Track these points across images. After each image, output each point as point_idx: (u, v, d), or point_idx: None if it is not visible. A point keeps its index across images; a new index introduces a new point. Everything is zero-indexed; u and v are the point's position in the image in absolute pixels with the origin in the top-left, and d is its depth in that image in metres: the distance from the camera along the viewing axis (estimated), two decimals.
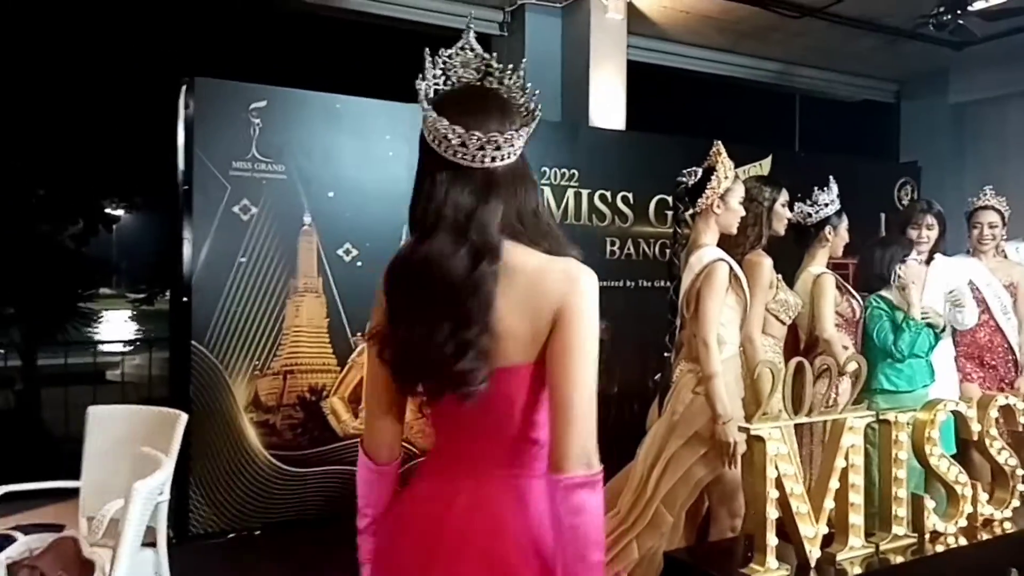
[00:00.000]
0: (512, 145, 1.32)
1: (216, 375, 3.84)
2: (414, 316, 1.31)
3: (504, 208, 1.31)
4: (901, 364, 3.18)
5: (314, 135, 3.96)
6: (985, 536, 2.54)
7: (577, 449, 1.26)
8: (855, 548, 2.31)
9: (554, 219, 1.44)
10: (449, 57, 1.39)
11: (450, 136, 1.27)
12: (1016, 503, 2.67)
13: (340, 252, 4.03)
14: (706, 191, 2.80)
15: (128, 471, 2.39)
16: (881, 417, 2.43)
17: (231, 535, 3.91)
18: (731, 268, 2.78)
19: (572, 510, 1.26)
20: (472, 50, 1.40)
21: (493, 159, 1.30)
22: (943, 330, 3.23)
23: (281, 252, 3.93)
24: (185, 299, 3.79)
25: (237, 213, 3.83)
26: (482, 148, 1.29)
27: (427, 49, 1.38)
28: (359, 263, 4.06)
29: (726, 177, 2.81)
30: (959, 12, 4.87)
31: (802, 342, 3.23)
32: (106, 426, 2.82)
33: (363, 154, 4.07)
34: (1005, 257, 3.74)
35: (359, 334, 4.09)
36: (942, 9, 4.93)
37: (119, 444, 2.73)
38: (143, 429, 2.77)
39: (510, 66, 1.39)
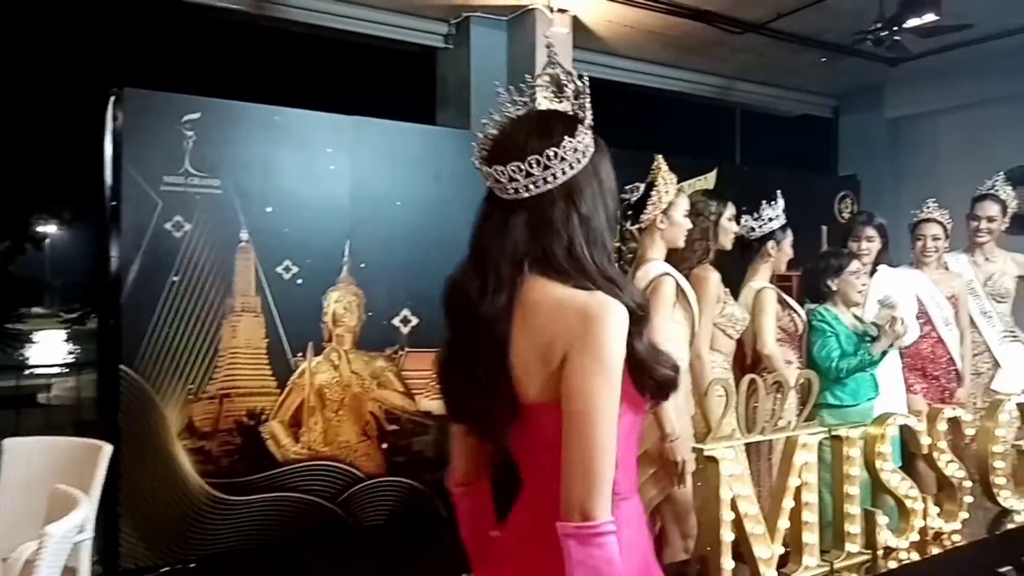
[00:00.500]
0: (545, 168, 1.26)
1: (147, 400, 3.65)
2: (454, 343, 1.30)
3: (532, 240, 1.25)
4: (844, 380, 3.17)
5: (251, 148, 3.81)
6: (936, 550, 2.54)
7: (572, 497, 1.17)
8: (810, 568, 2.27)
9: (602, 252, 1.29)
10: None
11: (483, 170, 1.29)
12: (964, 515, 2.68)
13: (279, 270, 3.88)
14: (648, 206, 2.77)
15: (45, 509, 2.22)
16: (833, 433, 2.41)
17: (164, 569, 3.71)
18: (677, 283, 2.74)
19: (568, 562, 1.15)
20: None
21: (519, 189, 1.26)
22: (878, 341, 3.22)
23: (217, 270, 3.76)
24: (112, 321, 3.60)
25: (169, 230, 3.66)
26: (511, 179, 1.26)
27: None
28: (299, 281, 3.92)
29: (667, 191, 2.78)
30: (895, 28, 4.96)
31: (748, 357, 3.21)
32: (23, 459, 2.63)
33: (303, 168, 3.95)
34: (947, 269, 3.79)
35: (299, 355, 3.95)
36: (879, 25, 5.02)
37: (37, 478, 2.54)
38: (63, 462, 2.59)
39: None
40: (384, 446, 4.29)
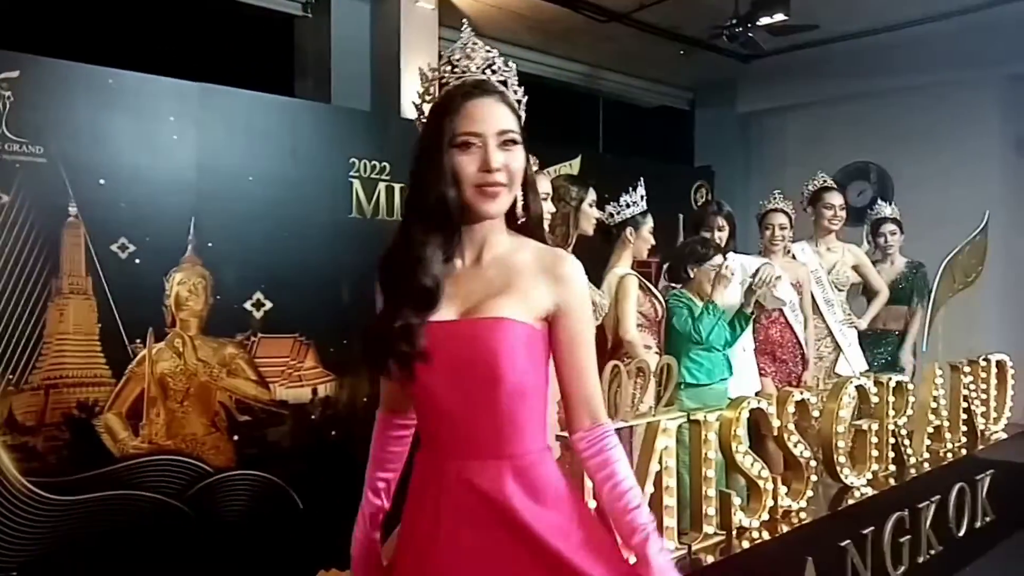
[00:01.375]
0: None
1: None
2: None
3: None
4: (701, 358, 3.25)
5: (80, 113, 3.44)
6: (785, 528, 2.63)
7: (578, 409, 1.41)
8: (669, 551, 2.29)
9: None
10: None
11: None
12: (810, 493, 2.80)
13: (114, 248, 3.54)
14: None
15: None
16: (692, 417, 2.44)
17: None
18: None
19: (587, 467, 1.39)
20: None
21: None
22: (748, 318, 3.33)
23: (41, 247, 3.38)
24: None
25: None
26: None
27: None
28: (137, 260, 3.59)
29: None
30: (749, 25, 5.16)
31: (608, 343, 3.22)
32: None
33: (142, 137, 3.61)
34: (793, 257, 3.97)
35: (138, 341, 3.63)
36: (734, 21, 5.20)
37: None
38: None
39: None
40: (235, 438, 4.03)
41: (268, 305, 4.02)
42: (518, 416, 1.29)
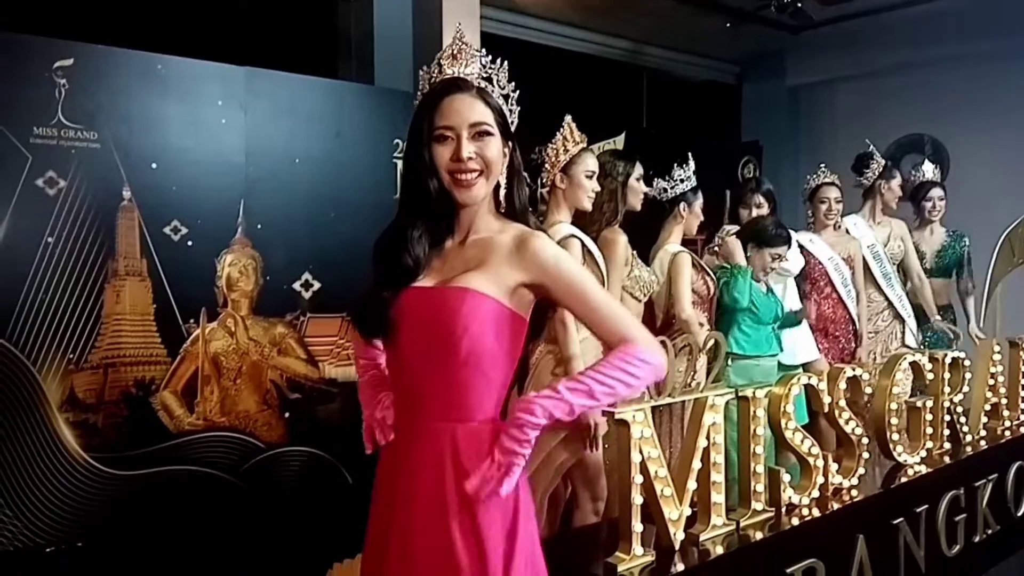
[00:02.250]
0: None
1: (21, 371, 3.36)
2: None
3: None
4: (750, 330, 3.22)
5: (132, 99, 3.51)
6: (835, 505, 2.60)
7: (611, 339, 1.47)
8: (717, 527, 2.29)
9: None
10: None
11: None
12: (862, 471, 2.76)
13: (167, 230, 3.62)
14: (546, 165, 2.70)
15: None
16: (740, 394, 2.42)
17: (50, 549, 3.47)
18: (584, 245, 2.69)
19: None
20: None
21: None
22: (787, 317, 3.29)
23: (97, 231, 3.47)
24: None
25: (41, 187, 3.34)
26: None
27: None
28: (189, 242, 3.66)
29: (565, 149, 2.71)
30: None
31: (658, 320, 3.21)
32: None
33: (190, 121, 3.67)
34: (847, 232, 3.89)
35: (191, 321, 3.72)
36: None
37: None
38: None
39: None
40: (286, 415, 4.12)
41: (316, 285, 4.08)
42: (470, 384, 1.39)
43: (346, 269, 4.24)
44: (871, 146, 4.11)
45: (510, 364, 1.44)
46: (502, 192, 1.48)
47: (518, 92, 1.55)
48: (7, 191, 3.27)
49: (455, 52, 1.55)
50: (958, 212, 4.72)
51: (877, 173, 4.02)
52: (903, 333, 3.89)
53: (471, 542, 1.34)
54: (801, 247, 3.68)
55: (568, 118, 2.77)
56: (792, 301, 3.37)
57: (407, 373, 1.42)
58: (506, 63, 1.56)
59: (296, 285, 4.05)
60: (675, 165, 3.26)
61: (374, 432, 1.51)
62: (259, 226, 3.90)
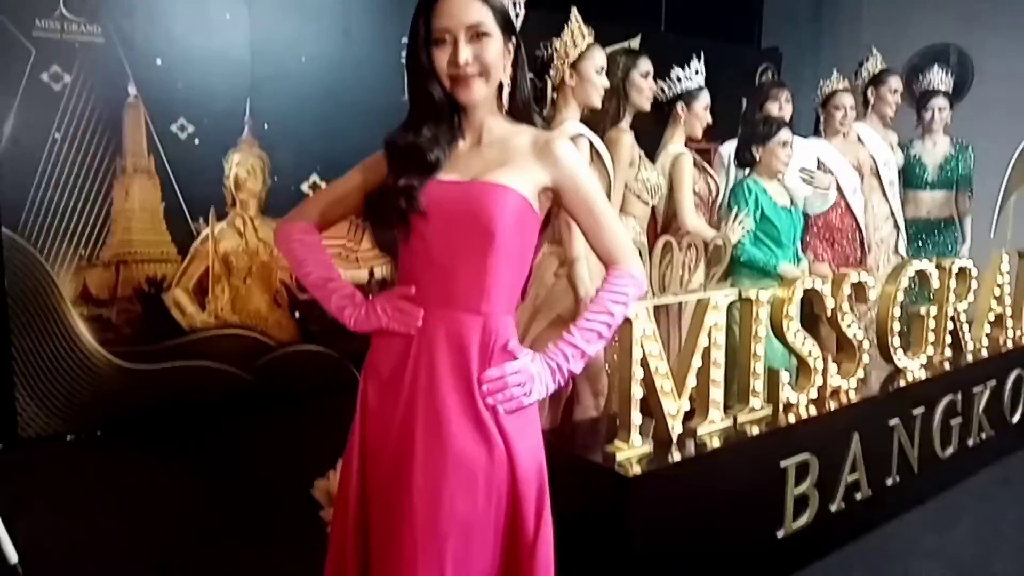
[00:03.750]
0: None
1: (34, 266, 3.43)
2: None
3: None
4: (767, 243, 3.13)
5: None
6: (833, 405, 2.65)
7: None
8: (715, 422, 2.34)
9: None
10: None
11: None
12: (861, 374, 2.80)
13: (174, 128, 3.61)
14: (554, 61, 2.63)
15: None
16: (744, 296, 2.43)
17: (69, 437, 3.60)
18: (592, 144, 2.65)
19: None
20: None
21: None
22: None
23: (104, 127, 3.48)
24: None
25: (47, 82, 3.33)
26: None
27: None
28: (196, 140, 3.66)
29: (574, 44, 2.62)
30: None
31: (658, 225, 3.17)
32: None
33: (195, 16, 3.61)
34: (858, 139, 3.82)
35: (200, 220, 3.75)
36: None
37: None
38: None
39: None
40: (296, 315, 4.19)
41: (324, 187, 4.08)
42: (500, 277, 1.39)
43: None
44: (872, 48, 3.98)
45: (528, 263, 1.46)
46: (506, 91, 1.44)
47: None
48: (12, 86, 3.26)
49: None
50: (978, 123, 4.60)
51: (867, 79, 3.89)
52: (896, 242, 3.85)
53: (486, 432, 1.37)
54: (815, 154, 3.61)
55: (574, 11, 2.67)
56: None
57: (433, 264, 1.40)
58: None
59: (304, 186, 4.06)
60: (674, 65, 3.14)
61: (381, 315, 1.47)
62: (266, 126, 3.88)
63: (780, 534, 2.44)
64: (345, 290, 1.49)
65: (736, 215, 3.02)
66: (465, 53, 1.36)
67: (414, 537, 1.33)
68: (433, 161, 1.39)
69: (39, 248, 3.42)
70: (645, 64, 2.88)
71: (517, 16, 1.46)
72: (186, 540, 2.66)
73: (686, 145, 3.22)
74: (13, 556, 2.40)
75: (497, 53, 1.39)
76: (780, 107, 3.48)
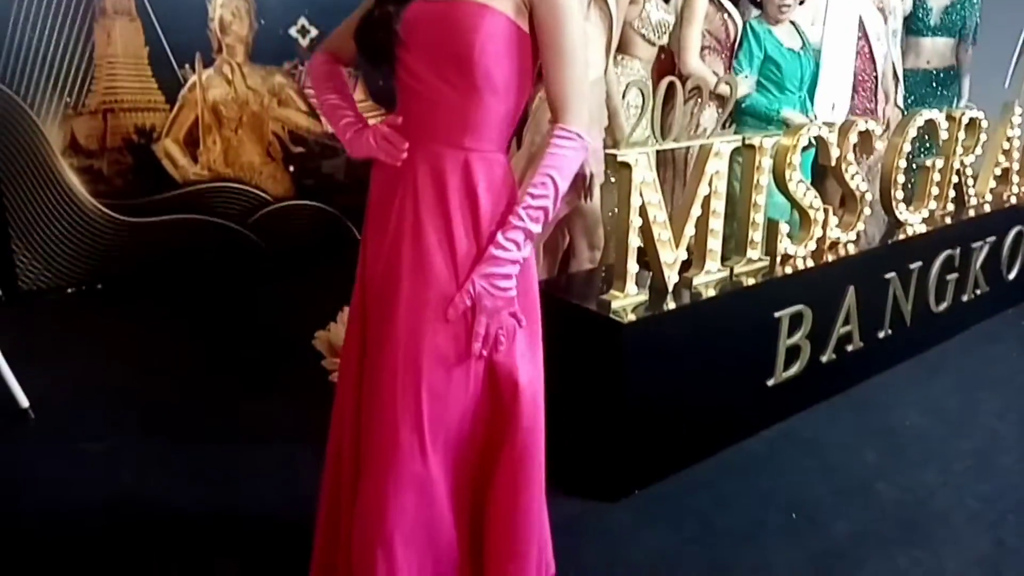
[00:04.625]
0: None
1: (19, 114, 3.33)
2: None
3: None
4: (772, 89, 3.01)
5: None
6: (830, 258, 2.64)
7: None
8: (711, 272, 2.33)
9: None
10: None
11: None
12: (861, 226, 2.78)
13: None
14: None
15: None
16: (747, 142, 2.37)
17: (70, 290, 3.63)
18: None
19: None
20: None
21: None
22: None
23: None
24: None
25: None
26: None
27: None
28: None
29: None
30: None
31: (676, 66, 3.03)
32: None
33: None
34: None
35: (187, 66, 3.60)
36: None
37: None
38: None
39: None
40: (291, 169, 4.12)
41: (313, 32, 3.90)
42: (485, 109, 1.33)
43: (344, 14, 4.01)
44: None
45: (522, 92, 1.37)
46: None
47: None
48: None
49: None
50: None
51: None
52: (896, 94, 3.69)
53: (466, 270, 1.33)
54: None
55: None
56: None
57: (417, 97, 1.35)
58: None
59: (292, 31, 3.87)
60: None
61: (372, 143, 1.43)
62: None
63: (770, 383, 2.50)
64: (350, 116, 1.48)
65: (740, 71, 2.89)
66: None
67: (395, 367, 1.34)
68: None
69: (22, 96, 3.31)
70: None
71: None
72: (189, 390, 2.72)
73: None
74: (24, 400, 2.47)
75: None
76: None
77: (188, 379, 2.79)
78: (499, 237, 1.33)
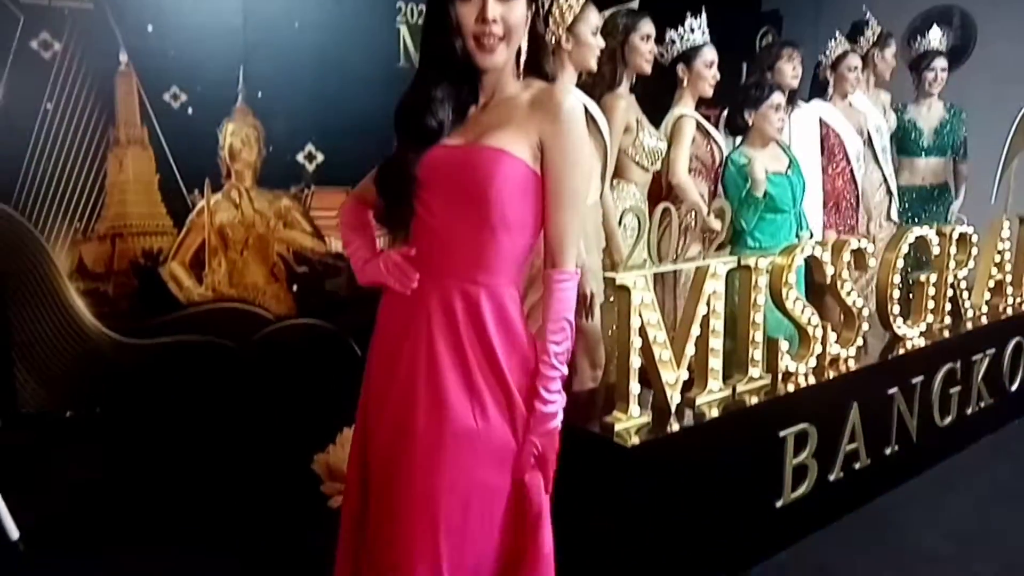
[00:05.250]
0: None
1: (29, 239, 3.38)
2: None
3: None
4: (765, 219, 3.08)
5: None
6: (832, 374, 2.64)
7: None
8: (713, 391, 2.33)
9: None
10: None
11: None
12: (860, 342, 2.79)
13: (167, 97, 3.55)
14: (549, 24, 2.57)
15: None
16: (742, 263, 2.41)
17: (68, 414, 3.60)
18: (588, 111, 2.61)
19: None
20: None
21: None
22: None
23: (96, 97, 3.41)
24: None
25: (36, 50, 3.26)
26: None
27: None
28: (190, 110, 3.60)
29: (569, 6, 2.56)
30: None
31: (663, 189, 3.14)
32: None
33: None
34: (850, 104, 3.77)
35: (196, 192, 3.70)
36: None
37: None
38: None
39: None
40: (294, 288, 4.17)
41: (320, 157, 4.03)
42: (499, 247, 1.36)
43: (350, 140, 4.16)
44: (867, 12, 3.93)
45: (535, 229, 1.41)
46: (523, 58, 1.41)
47: None
48: (1, 53, 3.19)
49: None
50: (979, 87, 4.54)
51: (872, 41, 3.84)
52: (889, 207, 3.83)
53: (484, 406, 1.36)
54: (820, 119, 3.56)
55: None
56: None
57: (433, 233, 1.38)
58: None
59: (299, 156, 4.00)
60: (668, 28, 3.06)
61: (382, 269, 1.45)
62: (259, 94, 3.81)
63: (778, 504, 2.45)
64: (366, 247, 1.54)
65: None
66: (494, 10, 1.31)
67: (411, 504, 1.33)
68: (435, 126, 1.35)
69: (33, 221, 3.38)
70: (646, 26, 2.81)
71: None
72: (186, 514, 2.67)
73: (697, 109, 3.15)
74: (14, 532, 2.40)
75: (522, 16, 1.35)
76: (795, 68, 3.41)
77: (185, 502, 2.74)
78: (541, 392, 1.37)
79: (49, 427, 3.47)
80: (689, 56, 3.08)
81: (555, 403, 1.39)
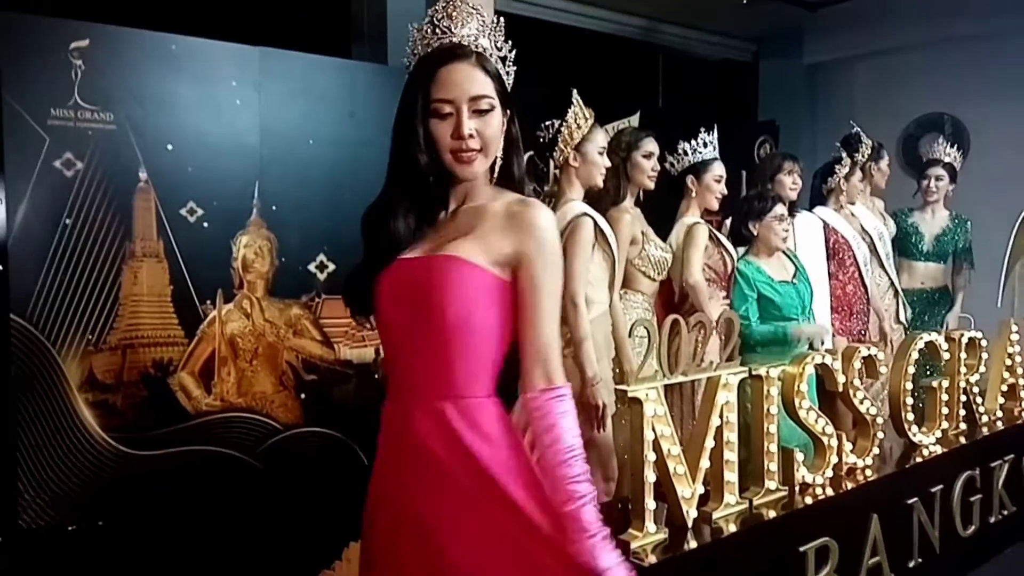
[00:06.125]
0: None
1: (42, 352, 3.41)
2: None
3: None
4: (775, 326, 3.11)
5: (146, 80, 3.52)
6: (849, 485, 2.60)
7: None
8: (730, 505, 2.29)
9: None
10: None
11: None
12: (876, 451, 2.76)
13: (183, 212, 3.64)
14: (558, 143, 2.68)
15: None
16: (753, 372, 2.42)
17: (71, 528, 3.53)
18: (596, 224, 2.68)
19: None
20: None
21: None
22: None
23: (114, 212, 3.50)
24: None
25: (59, 168, 3.37)
26: None
27: None
28: (205, 224, 3.69)
29: (578, 126, 2.68)
30: None
31: (676, 294, 3.18)
32: None
33: (205, 102, 3.68)
34: (851, 213, 3.86)
35: (208, 302, 3.75)
36: None
37: None
38: None
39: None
40: (303, 396, 4.15)
41: (331, 267, 4.09)
42: (460, 358, 1.32)
43: (360, 250, 4.26)
44: (855, 127, 4.09)
45: (504, 337, 1.36)
46: (498, 164, 1.41)
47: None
48: (26, 173, 3.30)
49: (451, 11, 1.40)
50: (978, 192, 4.65)
51: (866, 155, 3.98)
52: (897, 310, 3.88)
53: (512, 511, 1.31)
54: (825, 224, 3.63)
55: (575, 93, 2.74)
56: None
57: (393, 348, 1.38)
58: (502, 20, 1.44)
59: (311, 266, 4.07)
60: (686, 142, 3.21)
61: None
62: (274, 207, 3.92)
63: None
64: None
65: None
66: (469, 126, 1.32)
67: None
68: (396, 240, 1.37)
69: (46, 334, 3.41)
70: (649, 145, 2.95)
71: (508, 75, 1.41)
72: None
73: (702, 218, 3.25)
74: None
75: (498, 127, 1.36)
76: (794, 181, 3.52)
77: None
78: (585, 543, 1.30)
79: (51, 541, 3.40)
80: (699, 169, 3.19)
81: (595, 529, 1.28)
